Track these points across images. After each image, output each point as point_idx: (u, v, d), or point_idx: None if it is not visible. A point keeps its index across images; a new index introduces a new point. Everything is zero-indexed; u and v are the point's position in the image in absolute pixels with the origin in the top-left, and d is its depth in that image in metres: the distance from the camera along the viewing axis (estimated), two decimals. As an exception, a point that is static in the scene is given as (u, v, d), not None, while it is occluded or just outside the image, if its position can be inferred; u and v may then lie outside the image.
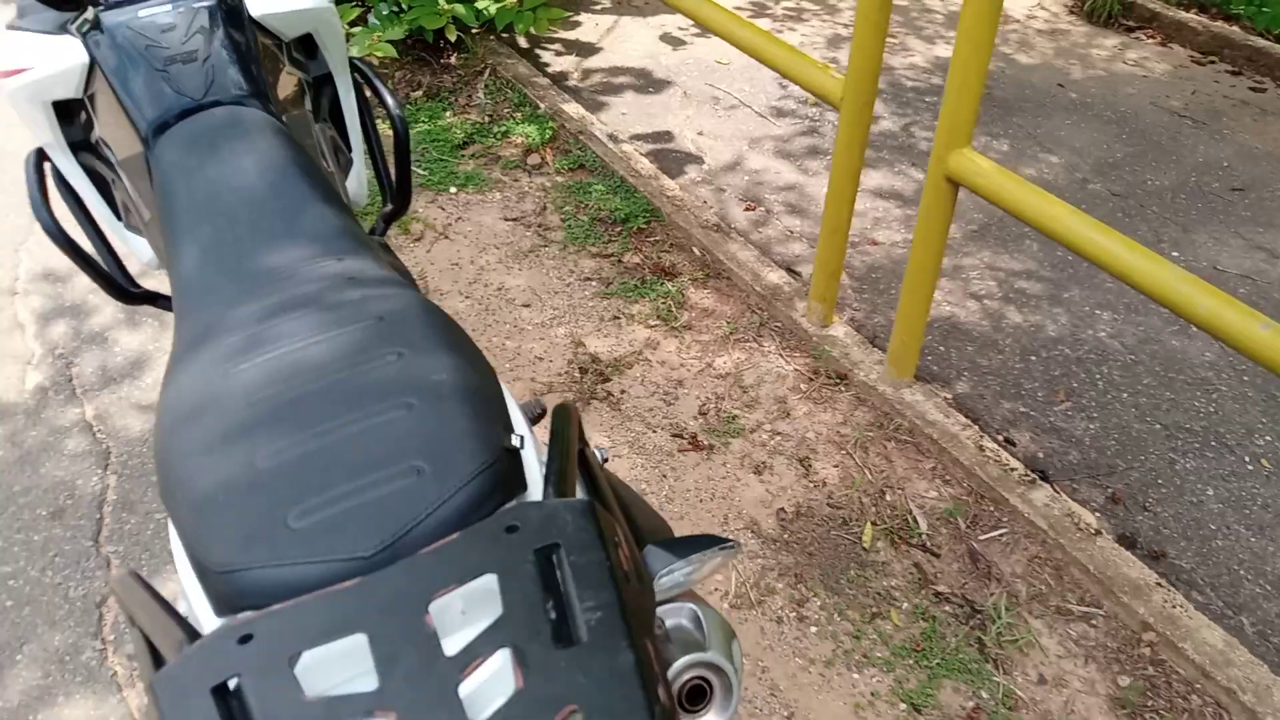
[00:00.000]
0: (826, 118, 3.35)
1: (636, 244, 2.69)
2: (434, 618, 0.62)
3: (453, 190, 2.89)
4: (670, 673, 0.81)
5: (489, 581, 0.63)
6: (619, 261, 2.61)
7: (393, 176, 1.87)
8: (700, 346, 2.35)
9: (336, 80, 1.61)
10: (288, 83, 1.36)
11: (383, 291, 0.90)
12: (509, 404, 0.86)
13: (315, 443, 0.73)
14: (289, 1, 1.31)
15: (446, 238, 2.71)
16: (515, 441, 0.77)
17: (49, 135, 1.27)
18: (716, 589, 1.79)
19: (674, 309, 2.45)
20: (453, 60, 3.50)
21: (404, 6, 3.32)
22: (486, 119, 3.22)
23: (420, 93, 3.35)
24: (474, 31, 3.49)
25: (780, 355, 2.33)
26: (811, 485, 2.00)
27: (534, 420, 1.72)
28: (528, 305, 2.47)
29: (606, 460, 1.90)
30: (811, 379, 2.26)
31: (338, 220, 1.04)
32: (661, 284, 2.52)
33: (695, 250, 2.64)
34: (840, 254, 2.22)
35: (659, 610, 0.87)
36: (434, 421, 0.74)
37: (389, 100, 1.82)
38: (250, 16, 1.22)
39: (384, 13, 3.29)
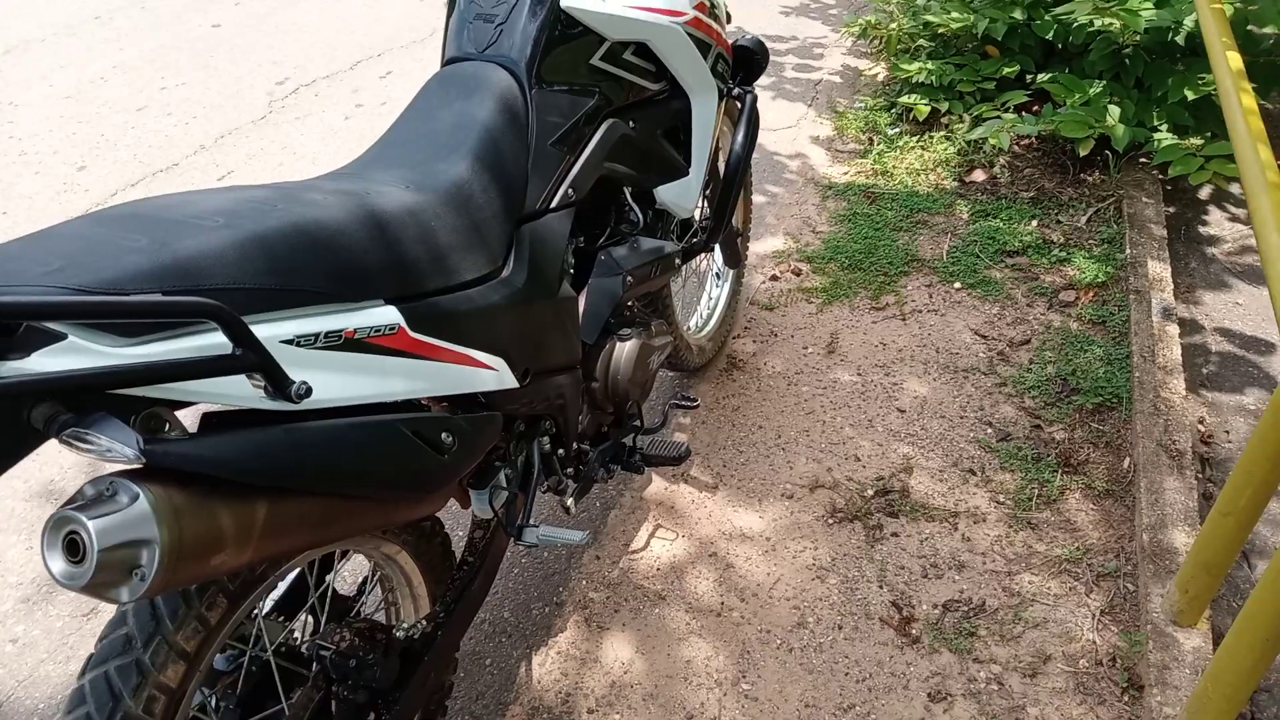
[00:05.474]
0: None
1: (1073, 414, 2.22)
2: None
3: (956, 285, 2.72)
4: None
5: None
6: (1037, 430, 2.20)
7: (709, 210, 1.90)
8: (1024, 551, 1.90)
9: (691, 97, 1.71)
10: (610, 79, 1.47)
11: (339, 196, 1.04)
12: None
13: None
14: (601, 4, 1.40)
15: (902, 319, 2.59)
16: None
17: None
18: None
19: (1038, 499, 2.01)
20: (1088, 178, 3.18)
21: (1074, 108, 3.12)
22: (1062, 239, 2.89)
23: (1030, 194, 3.14)
24: (1128, 158, 3.11)
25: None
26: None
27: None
28: (903, 412, 2.27)
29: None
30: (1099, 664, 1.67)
31: (454, 173, 1.20)
32: (1056, 474, 2.07)
33: (1124, 447, 2.07)
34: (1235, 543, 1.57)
35: None
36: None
37: (738, 137, 1.86)
38: (558, 6, 1.35)
39: (1060, 115, 3.13)
